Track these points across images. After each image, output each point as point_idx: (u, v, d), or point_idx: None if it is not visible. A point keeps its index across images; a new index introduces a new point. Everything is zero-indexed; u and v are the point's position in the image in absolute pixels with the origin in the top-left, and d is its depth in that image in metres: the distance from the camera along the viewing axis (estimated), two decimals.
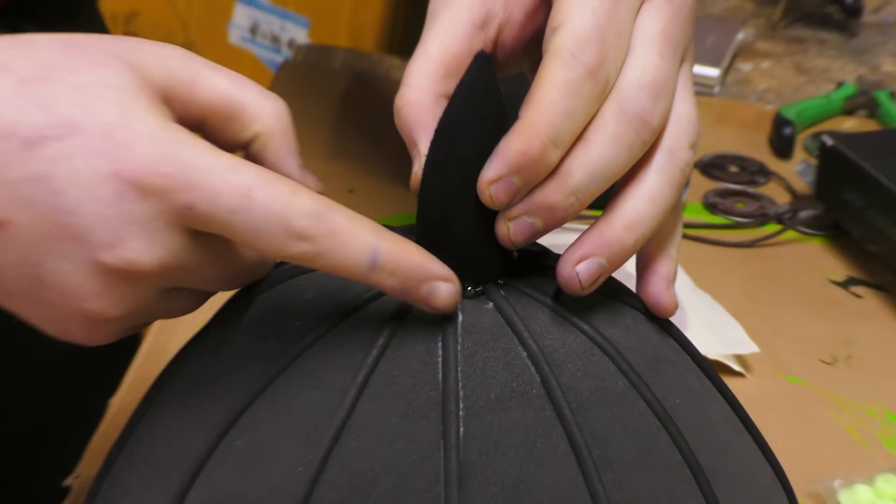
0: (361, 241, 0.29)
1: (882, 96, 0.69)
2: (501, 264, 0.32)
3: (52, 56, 0.29)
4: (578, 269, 0.30)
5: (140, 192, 0.28)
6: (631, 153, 0.31)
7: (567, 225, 0.32)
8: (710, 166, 0.65)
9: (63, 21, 0.32)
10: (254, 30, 1.11)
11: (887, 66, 0.75)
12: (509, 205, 0.30)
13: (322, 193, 0.31)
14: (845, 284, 0.58)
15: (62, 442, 0.53)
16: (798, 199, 0.63)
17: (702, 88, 0.70)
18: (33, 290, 0.29)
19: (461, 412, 0.29)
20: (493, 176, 0.30)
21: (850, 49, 0.76)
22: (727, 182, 0.64)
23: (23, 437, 0.59)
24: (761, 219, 0.62)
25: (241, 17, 1.11)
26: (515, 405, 0.29)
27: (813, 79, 0.74)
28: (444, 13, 0.34)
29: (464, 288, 0.31)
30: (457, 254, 0.31)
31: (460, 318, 0.30)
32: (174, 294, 0.30)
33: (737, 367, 0.52)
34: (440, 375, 0.30)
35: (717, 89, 0.71)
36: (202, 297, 0.32)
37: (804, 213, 0.61)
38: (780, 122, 0.67)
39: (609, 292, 0.32)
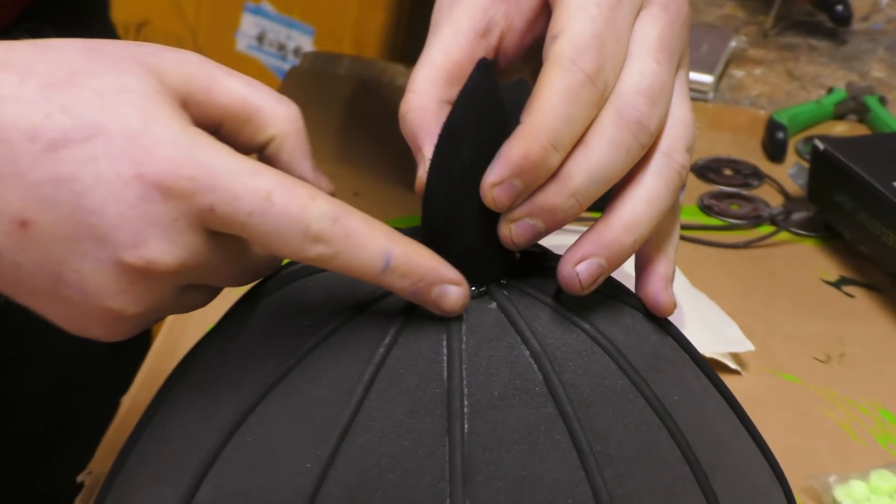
0: (376, 244, 0.29)
1: (872, 101, 0.70)
2: (504, 265, 0.32)
3: (74, 61, 0.29)
4: (579, 269, 0.31)
5: (162, 194, 0.28)
6: (629, 156, 0.32)
7: (567, 226, 0.32)
8: (705, 169, 0.66)
9: (76, 28, 0.32)
10: (261, 38, 1.12)
11: (876, 72, 0.76)
12: (511, 207, 0.31)
13: (333, 194, 0.31)
14: (838, 284, 0.59)
15: (74, 439, 0.53)
16: (791, 202, 0.64)
17: (697, 94, 0.71)
18: (54, 289, 0.29)
19: (465, 409, 0.30)
20: (496, 179, 0.30)
21: (839, 56, 0.77)
22: (722, 185, 0.65)
23: (36, 434, 0.60)
24: (755, 220, 0.62)
25: (249, 25, 1.12)
26: (518, 402, 0.30)
27: (804, 85, 0.75)
28: (447, 22, 0.35)
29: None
30: (460, 255, 0.31)
31: (464, 317, 0.31)
32: (189, 291, 0.31)
33: (733, 365, 0.53)
34: (445, 373, 0.30)
35: (711, 95, 0.72)
36: (215, 292, 0.32)
37: (797, 215, 0.62)
38: (772, 126, 0.68)
39: (609, 292, 0.33)
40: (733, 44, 0.76)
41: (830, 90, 0.72)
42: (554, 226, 0.31)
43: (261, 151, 0.33)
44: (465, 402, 0.30)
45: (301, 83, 0.69)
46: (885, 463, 0.47)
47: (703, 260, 0.60)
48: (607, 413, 0.31)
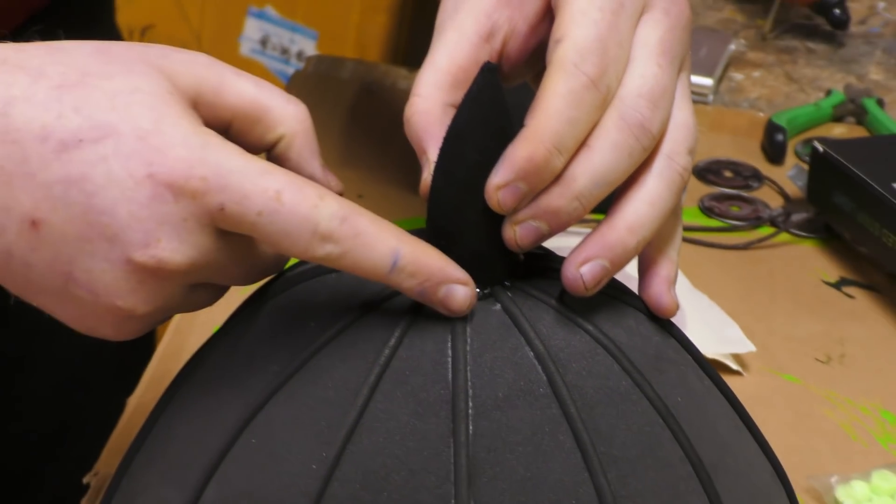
0: (384, 244, 0.30)
1: (870, 104, 0.70)
2: (508, 267, 0.33)
3: (85, 62, 0.30)
4: (582, 270, 0.31)
5: (173, 194, 0.29)
6: (632, 159, 0.32)
7: (571, 228, 0.32)
8: (706, 171, 0.67)
9: (83, 32, 0.33)
10: (264, 42, 1.12)
11: (874, 75, 0.76)
12: (515, 209, 0.31)
13: (341, 193, 0.32)
14: (838, 285, 0.59)
15: (81, 440, 0.54)
16: (791, 203, 0.64)
17: (696, 97, 0.72)
18: (64, 288, 0.30)
19: (470, 410, 0.30)
20: (501, 182, 0.31)
21: (837, 59, 0.77)
22: (722, 186, 0.66)
23: (42, 435, 0.60)
24: (755, 222, 0.63)
25: (252, 30, 1.12)
26: (522, 403, 0.30)
27: (803, 87, 0.75)
28: (451, 26, 0.35)
29: None
30: (465, 257, 0.31)
31: (469, 318, 0.31)
32: (198, 289, 0.31)
33: (734, 366, 0.53)
34: (450, 375, 0.30)
35: (710, 97, 0.73)
36: (222, 291, 0.33)
37: (797, 217, 0.62)
38: (771, 128, 0.68)
39: (612, 293, 0.33)
40: (732, 47, 0.77)
41: (829, 93, 0.73)
42: (558, 228, 0.32)
43: (270, 151, 0.33)
44: (470, 404, 0.30)
45: (305, 87, 0.70)
46: (885, 463, 0.48)
47: (704, 261, 0.60)
48: (611, 414, 0.31)
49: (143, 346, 0.60)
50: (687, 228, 0.62)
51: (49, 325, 0.32)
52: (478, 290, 0.32)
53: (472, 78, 0.31)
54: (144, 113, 0.29)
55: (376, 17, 1.07)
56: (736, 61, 0.77)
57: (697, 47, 0.73)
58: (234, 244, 0.30)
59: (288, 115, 0.32)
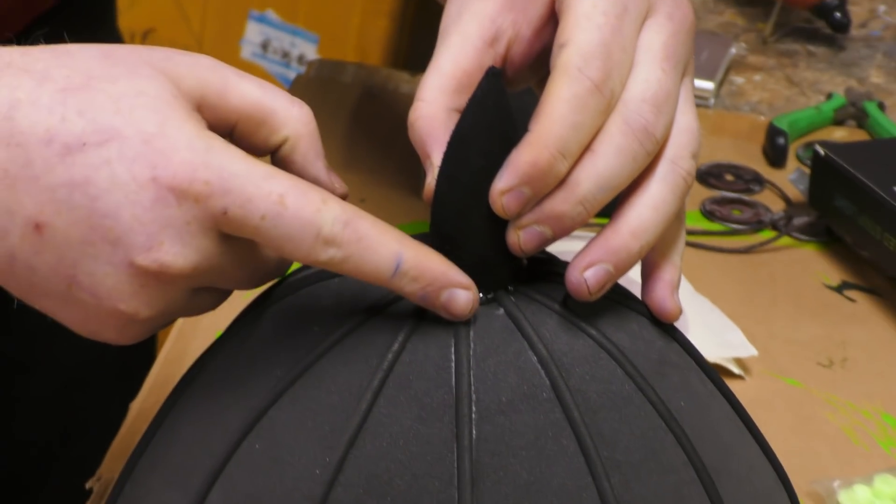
0: (387, 248, 0.30)
1: (871, 107, 0.71)
2: (511, 271, 0.33)
3: (90, 65, 0.30)
4: (586, 275, 0.31)
5: (177, 198, 0.29)
6: (635, 164, 0.32)
7: (574, 233, 0.32)
8: (707, 175, 0.67)
9: (85, 36, 0.33)
10: (265, 46, 1.12)
11: (875, 78, 0.77)
12: (519, 214, 0.31)
13: (346, 195, 0.32)
14: (839, 289, 0.59)
15: (83, 445, 0.54)
16: (792, 207, 0.64)
17: (697, 100, 0.71)
18: (67, 291, 0.30)
19: (474, 415, 0.30)
20: (505, 186, 0.31)
21: (838, 62, 0.78)
22: (723, 190, 0.66)
23: (45, 439, 0.60)
24: (757, 225, 0.63)
25: (253, 33, 1.13)
26: (526, 408, 0.30)
27: (803, 91, 0.75)
28: (455, 31, 0.35)
29: None
30: (469, 261, 0.32)
31: (472, 323, 0.31)
32: (201, 293, 0.31)
33: (736, 370, 0.53)
34: (453, 379, 0.30)
35: (712, 101, 0.73)
36: (225, 295, 0.33)
37: (798, 220, 0.63)
38: (773, 132, 0.68)
39: (615, 298, 0.33)
40: (733, 50, 0.77)
41: (830, 96, 0.73)
42: (561, 233, 0.32)
43: (274, 153, 0.33)
44: (474, 408, 0.30)
45: (307, 91, 0.70)
46: (887, 467, 0.48)
47: (706, 265, 0.60)
48: (614, 418, 0.31)
49: (145, 350, 0.60)
50: (688, 232, 0.62)
51: (51, 329, 0.32)
52: (481, 294, 0.32)
53: (477, 83, 0.31)
54: (148, 116, 0.29)
55: (377, 21, 1.08)
56: (737, 65, 0.77)
57: (698, 51, 0.73)
58: (237, 248, 0.30)
59: (292, 118, 0.32)
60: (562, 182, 0.31)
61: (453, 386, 0.30)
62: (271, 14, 1.13)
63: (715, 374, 0.35)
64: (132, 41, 1.13)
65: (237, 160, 0.29)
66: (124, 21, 0.64)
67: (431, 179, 0.33)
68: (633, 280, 0.34)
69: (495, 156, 0.31)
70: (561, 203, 0.31)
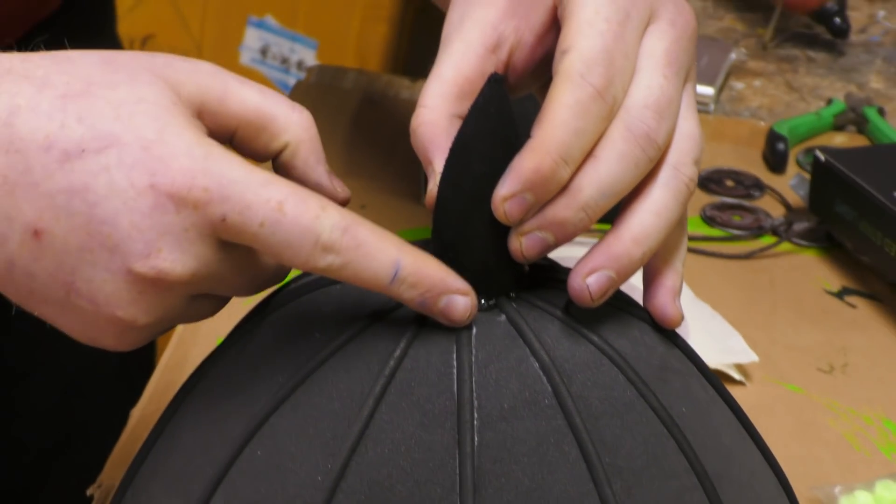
0: (385, 254, 0.30)
1: (871, 112, 0.71)
2: (513, 278, 0.33)
3: (91, 72, 0.30)
4: (589, 281, 0.31)
5: (175, 205, 0.29)
6: (638, 170, 0.32)
7: (577, 239, 0.32)
8: (708, 180, 0.67)
9: (84, 42, 0.33)
10: (264, 51, 1.12)
11: (874, 84, 0.77)
12: (522, 220, 0.31)
13: (349, 198, 0.32)
14: (840, 294, 0.59)
15: (83, 452, 0.54)
16: (792, 212, 0.64)
17: (698, 106, 0.71)
18: (66, 298, 0.30)
19: (476, 421, 0.30)
20: (507, 193, 0.31)
21: (838, 67, 0.78)
22: (724, 196, 0.66)
23: (45, 445, 0.60)
24: (757, 231, 0.63)
25: (252, 39, 1.13)
26: (528, 414, 0.30)
27: (803, 96, 0.75)
28: (458, 37, 0.35)
29: (477, 301, 0.32)
30: (471, 268, 0.32)
31: (474, 329, 0.31)
32: (199, 300, 0.31)
33: (737, 376, 0.53)
34: (455, 385, 0.30)
35: (712, 107, 0.73)
36: (224, 302, 0.33)
37: (798, 226, 0.63)
38: (773, 137, 0.68)
39: (617, 304, 0.33)
40: (733, 56, 0.77)
41: (829, 101, 0.73)
42: (564, 239, 0.32)
43: (276, 159, 0.33)
44: (476, 415, 0.30)
45: (307, 97, 0.70)
46: (888, 473, 0.48)
47: (706, 270, 0.60)
48: (616, 424, 0.31)
49: (145, 357, 0.60)
50: (689, 238, 0.62)
51: (51, 336, 0.32)
52: (483, 301, 0.32)
53: (479, 89, 0.31)
54: (148, 123, 0.29)
55: (376, 27, 1.08)
56: (736, 70, 0.77)
57: (698, 57, 0.73)
58: (236, 255, 0.30)
59: (293, 123, 0.32)
60: (564, 188, 0.31)
61: (455, 392, 0.30)
62: (270, 20, 1.13)
63: (716, 380, 0.35)
64: (131, 47, 1.13)
65: (236, 167, 0.29)
66: (123, 27, 0.64)
67: (433, 186, 0.33)
68: (634, 286, 0.34)
69: (497, 162, 0.31)
70: (563, 209, 0.31)
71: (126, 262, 0.29)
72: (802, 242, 0.62)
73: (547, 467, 0.30)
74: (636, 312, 0.34)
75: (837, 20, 0.78)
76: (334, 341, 0.31)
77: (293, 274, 0.33)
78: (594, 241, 0.33)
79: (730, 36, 0.81)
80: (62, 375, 0.59)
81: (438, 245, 0.32)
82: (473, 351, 0.31)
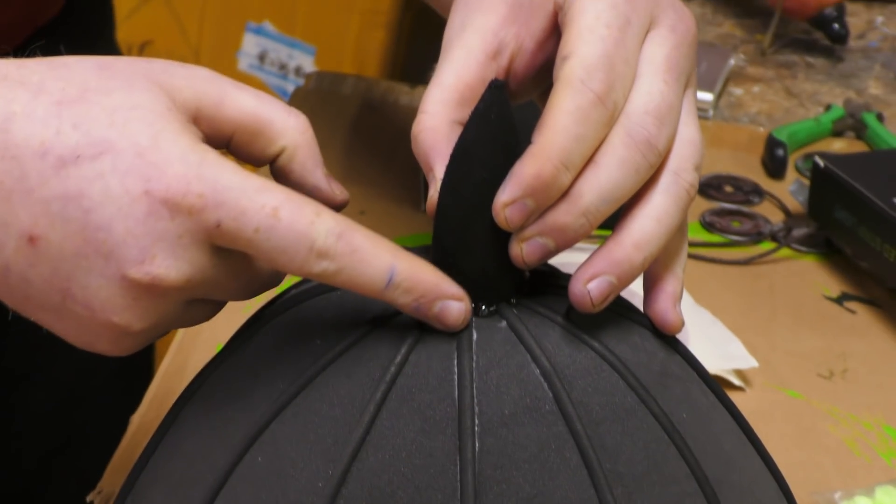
0: (380, 260, 0.30)
1: (870, 118, 0.71)
2: (514, 284, 0.33)
3: (86, 78, 0.30)
4: (590, 287, 0.31)
5: (170, 211, 0.29)
6: (638, 175, 0.32)
7: (577, 245, 0.32)
8: (707, 186, 0.67)
9: (83, 48, 0.33)
10: (262, 57, 1.12)
11: (873, 90, 0.77)
12: (522, 226, 0.31)
13: (347, 201, 0.32)
14: (839, 300, 0.59)
15: (83, 458, 0.53)
16: (791, 218, 0.64)
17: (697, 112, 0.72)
18: (61, 304, 0.30)
19: (476, 427, 0.30)
20: (508, 199, 0.31)
21: (836, 73, 0.78)
22: (723, 202, 0.66)
23: (44, 452, 0.60)
24: (756, 237, 0.63)
25: (250, 45, 1.13)
26: (529, 420, 0.30)
27: (802, 102, 0.75)
28: (458, 44, 0.35)
29: (478, 307, 0.32)
30: (471, 274, 0.32)
31: (475, 336, 0.31)
32: (194, 305, 0.31)
33: (737, 382, 0.53)
34: (456, 392, 0.30)
35: (710, 113, 0.73)
36: (219, 307, 0.33)
37: (798, 232, 0.63)
38: (772, 143, 0.68)
39: (617, 310, 0.33)
40: (732, 62, 0.77)
41: (828, 107, 0.73)
42: (564, 245, 0.32)
43: (273, 163, 0.33)
44: (476, 421, 0.30)
45: (306, 102, 0.70)
46: (888, 479, 0.48)
47: (706, 276, 0.60)
48: (616, 430, 0.31)
49: (145, 363, 0.60)
50: (688, 244, 0.62)
51: (49, 341, 0.32)
52: (484, 307, 0.32)
53: (479, 95, 0.31)
54: (143, 129, 0.29)
55: (374, 33, 1.08)
56: (735, 76, 0.77)
57: (697, 63, 0.74)
58: (231, 261, 0.30)
59: (289, 127, 0.32)
60: (565, 194, 0.31)
61: (456, 398, 0.30)
62: (268, 26, 1.14)
63: (717, 386, 0.35)
64: (130, 53, 1.13)
65: (231, 173, 0.29)
66: (121, 33, 0.64)
67: (434, 192, 0.33)
68: (634, 292, 0.34)
69: (498, 168, 0.31)
70: (564, 215, 0.31)
71: (121, 268, 0.29)
72: (802, 248, 0.62)
73: (548, 473, 0.30)
74: (637, 318, 0.34)
75: (836, 26, 0.78)
76: (335, 347, 0.31)
77: (289, 279, 0.33)
78: (595, 246, 0.33)
79: (728, 42, 0.81)
80: (61, 380, 0.58)
81: (439, 251, 0.32)
82: (474, 357, 0.31)
